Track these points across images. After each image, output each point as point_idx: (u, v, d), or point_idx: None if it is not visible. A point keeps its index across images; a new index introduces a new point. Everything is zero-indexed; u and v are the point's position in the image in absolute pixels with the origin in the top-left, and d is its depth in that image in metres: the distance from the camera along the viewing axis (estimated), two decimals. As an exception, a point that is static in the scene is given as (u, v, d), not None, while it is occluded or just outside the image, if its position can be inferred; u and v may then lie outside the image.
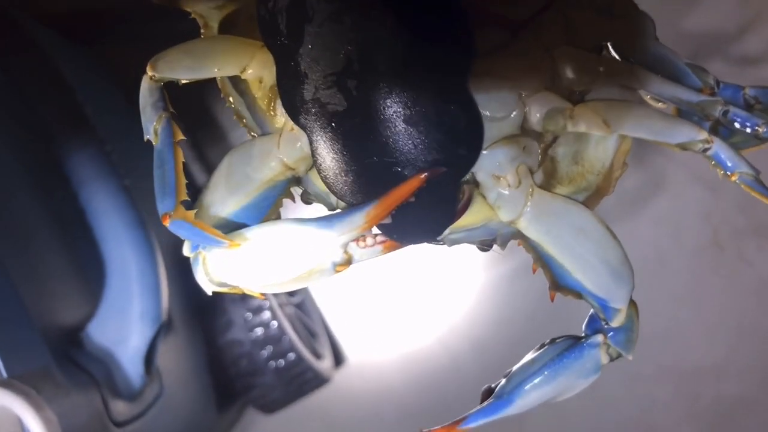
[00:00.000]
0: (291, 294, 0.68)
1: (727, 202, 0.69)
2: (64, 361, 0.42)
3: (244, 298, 0.60)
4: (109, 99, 0.53)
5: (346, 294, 0.74)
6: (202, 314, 0.60)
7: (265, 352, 0.60)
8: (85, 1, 0.57)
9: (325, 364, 0.67)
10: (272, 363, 0.60)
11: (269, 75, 0.25)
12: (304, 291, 0.72)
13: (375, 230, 0.25)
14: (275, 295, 0.63)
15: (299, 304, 0.69)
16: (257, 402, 0.64)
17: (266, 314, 0.60)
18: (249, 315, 0.60)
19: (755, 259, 0.70)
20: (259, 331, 0.60)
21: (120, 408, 0.45)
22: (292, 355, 0.61)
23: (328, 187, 0.24)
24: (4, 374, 0.36)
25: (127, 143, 0.49)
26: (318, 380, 0.65)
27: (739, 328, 0.71)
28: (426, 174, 0.23)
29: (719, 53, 0.66)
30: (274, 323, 0.60)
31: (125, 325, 0.47)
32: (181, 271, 0.54)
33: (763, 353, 0.71)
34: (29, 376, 0.37)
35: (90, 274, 0.47)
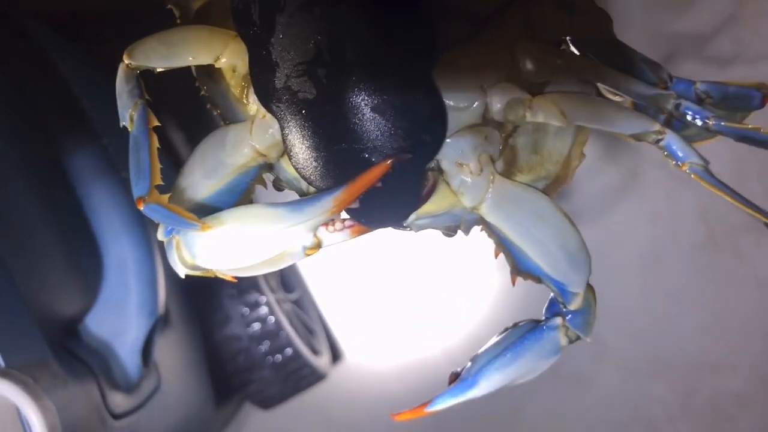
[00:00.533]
0: (288, 290, 0.68)
1: (723, 199, 0.69)
2: (61, 352, 0.42)
3: (241, 293, 0.60)
4: (105, 93, 0.52)
5: (343, 291, 0.75)
6: (199, 309, 0.60)
7: (263, 347, 0.60)
8: (78, 3, 0.57)
9: (322, 360, 0.67)
10: (269, 358, 0.61)
11: (242, 64, 0.26)
12: (302, 288, 0.73)
13: (344, 215, 0.26)
14: (273, 291, 0.63)
15: (297, 300, 0.70)
16: (254, 397, 0.64)
17: (263, 310, 0.60)
18: (246, 310, 0.60)
19: (751, 256, 0.70)
20: (257, 326, 0.60)
21: (117, 400, 0.45)
22: (289, 351, 0.61)
23: (298, 173, 0.25)
24: (2, 365, 0.36)
25: (125, 137, 0.49)
26: (315, 376, 0.65)
27: (735, 324, 0.72)
28: (392, 160, 0.24)
29: (693, 53, 0.67)
30: (272, 318, 0.60)
31: (123, 318, 0.47)
32: None
33: (759, 349, 0.72)
34: (27, 366, 0.37)
35: (87, 266, 0.47)
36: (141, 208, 0.26)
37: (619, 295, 0.71)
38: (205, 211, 0.27)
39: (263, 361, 0.61)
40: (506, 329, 0.29)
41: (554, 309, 0.28)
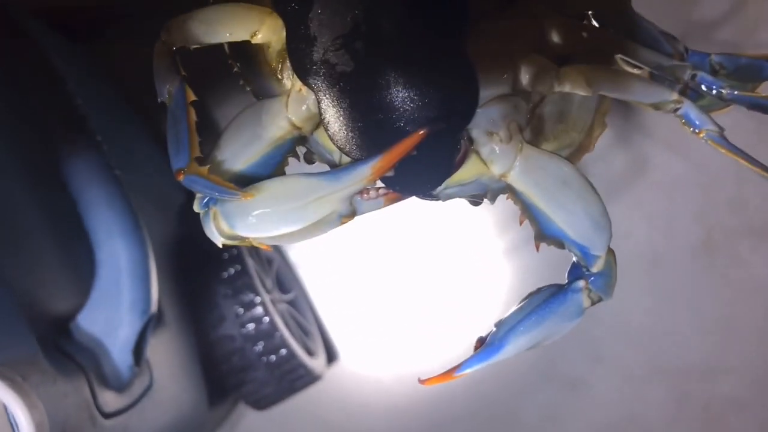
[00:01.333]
0: (284, 291, 0.68)
1: (721, 202, 0.68)
2: (51, 349, 0.42)
3: (236, 293, 0.60)
4: (101, 93, 0.52)
5: (339, 291, 0.75)
6: (193, 309, 0.59)
7: (257, 347, 0.60)
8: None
9: (317, 361, 0.67)
10: (264, 359, 0.60)
11: (277, 39, 0.27)
12: (298, 288, 0.73)
13: (378, 183, 0.27)
14: (268, 291, 0.63)
15: (292, 301, 0.70)
16: (248, 397, 0.64)
17: (258, 310, 0.60)
18: (241, 310, 0.60)
19: (749, 260, 0.70)
20: (251, 326, 0.60)
21: (108, 399, 0.45)
22: (284, 351, 0.61)
23: (335, 144, 0.26)
24: (-9, 361, 0.35)
25: (120, 135, 0.48)
26: (310, 377, 0.65)
27: (733, 328, 0.72)
28: (426, 129, 0.25)
29: (704, 37, 0.67)
30: (266, 319, 0.60)
31: (115, 316, 0.47)
32: (173, 265, 0.55)
33: (756, 354, 0.72)
34: (16, 363, 0.37)
35: (80, 263, 0.47)
36: (181, 179, 0.27)
37: (615, 298, 0.71)
38: (242, 182, 0.28)
39: (258, 362, 0.61)
40: (529, 294, 0.31)
41: (577, 272, 0.29)
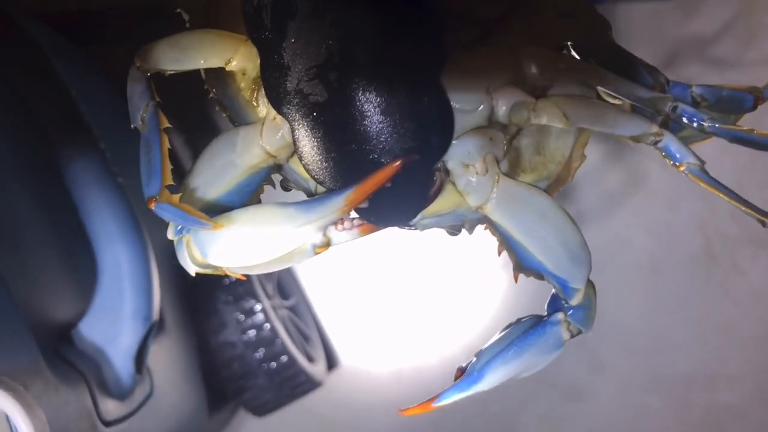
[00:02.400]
0: (285, 297, 0.68)
1: (721, 211, 0.69)
2: (53, 358, 0.42)
3: (237, 300, 0.60)
4: (104, 97, 0.52)
5: (340, 297, 0.75)
6: (194, 315, 0.59)
7: (258, 354, 0.60)
8: (84, 2, 0.57)
9: (317, 367, 0.67)
10: (264, 365, 0.61)
11: (253, 67, 0.27)
12: (299, 294, 0.73)
13: (353, 214, 0.27)
14: (269, 297, 0.63)
15: (293, 307, 0.70)
16: (249, 404, 0.64)
17: (259, 316, 0.60)
18: (242, 317, 0.60)
19: (748, 269, 0.70)
20: (252, 333, 0.60)
21: (109, 407, 0.45)
22: (284, 358, 0.61)
23: (309, 173, 0.26)
24: (-7, 371, 0.35)
25: (122, 142, 0.48)
26: (310, 384, 0.65)
27: (732, 337, 0.72)
28: (401, 161, 0.24)
29: (694, 58, 0.68)
30: (267, 326, 0.60)
31: (116, 323, 0.47)
32: (174, 271, 0.55)
33: (755, 363, 0.72)
34: (18, 372, 0.37)
35: (82, 271, 0.47)
36: (152, 207, 0.26)
37: (615, 307, 0.71)
38: (215, 210, 0.27)
39: (258, 368, 0.61)
40: (509, 325, 0.30)
41: (556, 304, 0.29)
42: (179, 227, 0.28)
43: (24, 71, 0.48)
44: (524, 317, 0.30)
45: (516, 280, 0.29)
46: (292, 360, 0.61)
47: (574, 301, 0.28)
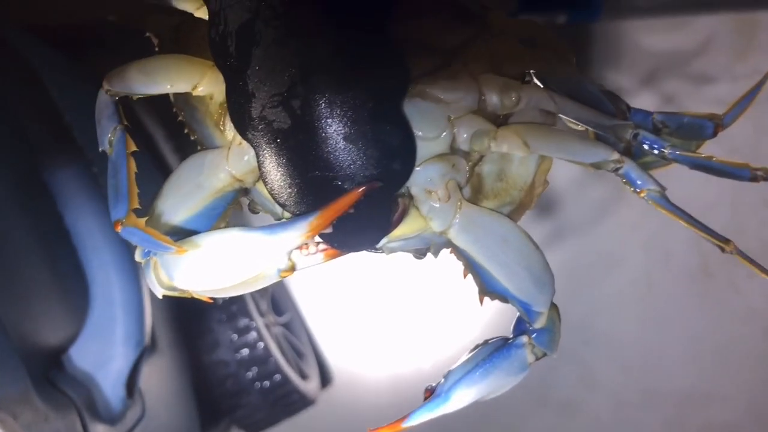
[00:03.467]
0: (279, 313, 0.68)
1: (717, 228, 0.69)
2: (44, 384, 0.41)
3: (231, 318, 0.60)
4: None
5: (334, 314, 0.75)
6: (187, 334, 0.59)
7: (251, 373, 0.60)
8: (73, 14, 0.57)
9: (311, 385, 0.67)
10: (258, 384, 0.61)
11: (219, 92, 0.27)
12: (293, 310, 0.72)
13: (317, 238, 0.27)
14: (262, 315, 0.63)
15: (287, 323, 0.70)
16: (242, 422, 0.64)
17: (253, 335, 0.60)
18: (235, 336, 0.60)
19: (744, 287, 0.70)
20: (245, 351, 0.60)
21: None
22: (277, 377, 0.61)
23: (273, 198, 0.26)
24: (-18, 400, 0.35)
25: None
26: (303, 402, 0.65)
27: (726, 355, 0.72)
28: (363, 188, 0.25)
29: (675, 74, 0.69)
30: (261, 344, 0.60)
31: (108, 348, 0.46)
32: None
33: (750, 381, 0.72)
34: (7, 401, 0.37)
35: (73, 295, 0.46)
36: (118, 230, 0.27)
37: (610, 324, 0.71)
38: (182, 233, 0.27)
39: (251, 387, 0.61)
40: (477, 346, 0.30)
41: (521, 327, 0.29)
42: (146, 250, 0.28)
43: (16, 90, 0.48)
44: (491, 339, 0.31)
45: (481, 303, 0.30)
46: (285, 378, 0.61)
47: (538, 324, 0.29)
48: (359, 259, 0.70)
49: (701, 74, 0.68)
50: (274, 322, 0.67)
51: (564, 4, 0.66)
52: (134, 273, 0.48)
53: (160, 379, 0.54)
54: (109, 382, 0.46)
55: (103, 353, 0.46)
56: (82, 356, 0.45)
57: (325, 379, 0.74)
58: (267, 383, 0.61)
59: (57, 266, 0.46)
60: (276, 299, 0.70)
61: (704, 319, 0.72)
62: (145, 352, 0.48)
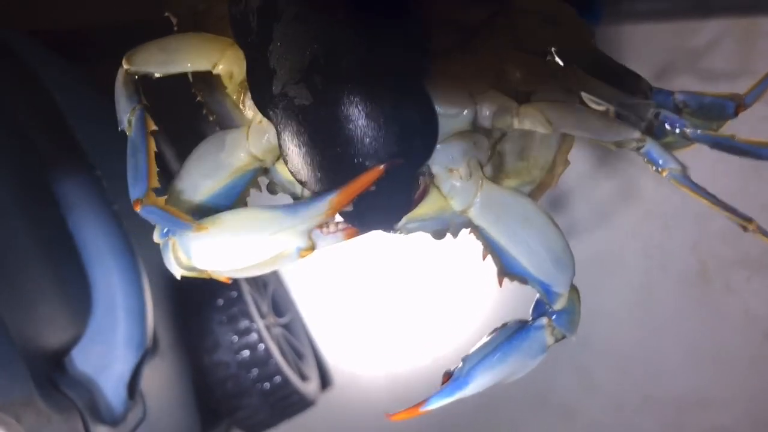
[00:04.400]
0: (279, 314, 0.69)
1: (715, 233, 0.68)
2: (46, 386, 0.41)
3: (231, 320, 0.60)
4: (100, 124, 0.52)
5: (334, 314, 0.74)
6: (188, 336, 0.59)
7: (252, 374, 0.60)
8: (79, 20, 0.57)
9: (311, 386, 0.67)
10: (258, 385, 0.60)
11: (239, 70, 0.27)
12: (293, 312, 0.72)
13: (338, 217, 0.27)
14: (263, 316, 0.63)
15: (287, 324, 0.70)
16: (242, 424, 0.64)
17: (253, 336, 0.60)
18: (235, 337, 0.60)
19: (742, 291, 0.69)
20: (246, 353, 0.60)
21: None
22: (278, 379, 0.61)
23: (294, 176, 0.26)
24: (-16, 402, 0.35)
25: (117, 168, 0.48)
26: (304, 403, 0.65)
27: (725, 359, 0.71)
28: (385, 165, 0.25)
29: (686, 68, 0.68)
30: (261, 346, 0.60)
31: (110, 351, 0.46)
32: (168, 292, 0.55)
33: (748, 386, 0.71)
34: (10, 404, 0.37)
35: (75, 298, 0.46)
36: (138, 209, 0.27)
37: (608, 327, 0.71)
38: (201, 213, 0.27)
39: (252, 388, 0.61)
40: (495, 329, 0.30)
41: (540, 309, 0.29)
42: (165, 230, 0.28)
43: (19, 96, 0.48)
44: (510, 321, 0.30)
45: (500, 285, 0.29)
46: (285, 380, 0.61)
47: (558, 305, 0.28)
48: (359, 260, 0.71)
49: (703, 79, 0.68)
50: (275, 323, 0.67)
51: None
52: (136, 276, 0.48)
53: (161, 381, 0.54)
54: (111, 384, 0.46)
55: (105, 356, 0.46)
56: (85, 359, 0.46)
57: (325, 380, 0.74)
58: (267, 385, 0.61)
59: (59, 270, 0.46)
60: (276, 300, 0.70)
61: (703, 323, 0.71)
62: (146, 354, 0.48)
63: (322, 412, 0.70)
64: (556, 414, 0.73)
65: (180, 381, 0.58)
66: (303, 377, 0.66)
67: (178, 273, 0.29)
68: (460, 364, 0.30)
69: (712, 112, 0.29)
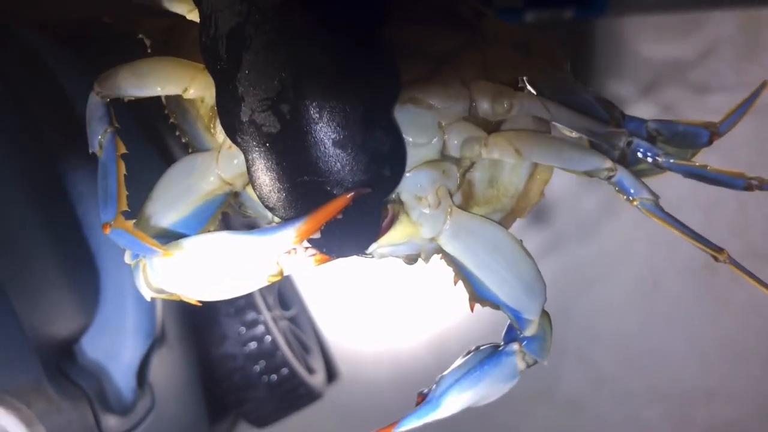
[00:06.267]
0: (285, 308, 0.69)
1: (721, 225, 0.69)
2: (56, 374, 0.42)
3: (239, 312, 0.60)
4: None
5: (340, 308, 0.75)
6: (196, 328, 0.60)
7: (258, 366, 0.61)
8: (75, 11, 0.57)
9: (317, 379, 0.67)
10: (265, 378, 0.61)
11: (210, 95, 0.27)
12: (300, 305, 0.73)
13: (306, 243, 0.27)
14: (270, 309, 0.63)
15: (293, 318, 0.70)
16: (249, 416, 0.64)
17: (260, 328, 0.60)
18: (243, 329, 0.60)
19: (748, 283, 0.70)
20: (253, 345, 0.60)
21: (111, 422, 0.45)
22: (285, 371, 0.61)
23: (262, 202, 0.26)
24: (-4, 388, 0.35)
25: (125, 157, 0.49)
26: (310, 396, 0.65)
27: (731, 351, 0.72)
28: (352, 193, 0.25)
29: (675, 82, 0.68)
30: (268, 338, 0.61)
31: (119, 340, 0.47)
32: None
33: (754, 377, 0.72)
34: (20, 390, 0.37)
35: (85, 287, 0.47)
36: (107, 232, 0.26)
37: (615, 320, 0.71)
38: (171, 236, 0.27)
39: (259, 381, 0.61)
40: (469, 352, 0.30)
41: (512, 335, 0.29)
42: (135, 252, 0.28)
43: (29, 86, 0.48)
44: (483, 345, 0.30)
45: (472, 310, 0.29)
46: (292, 372, 0.62)
47: (529, 332, 0.28)
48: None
49: (707, 70, 0.68)
50: (281, 316, 0.67)
51: (570, 0, 0.66)
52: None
53: (169, 372, 0.54)
54: (120, 372, 0.46)
55: (114, 344, 0.46)
56: (94, 347, 0.46)
57: (332, 373, 0.74)
58: (274, 377, 0.61)
59: (69, 259, 0.46)
60: (282, 293, 0.70)
61: (709, 315, 0.72)
62: (155, 343, 0.48)
63: (328, 405, 0.70)
64: (562, 406, 0.73)
65: (188, 372, 0.58)
66: (310, 370, 0.66)
67: (148, 295, 0.28)
68: (434, 385, 0.30)
69: (686, 140, 0.29)
